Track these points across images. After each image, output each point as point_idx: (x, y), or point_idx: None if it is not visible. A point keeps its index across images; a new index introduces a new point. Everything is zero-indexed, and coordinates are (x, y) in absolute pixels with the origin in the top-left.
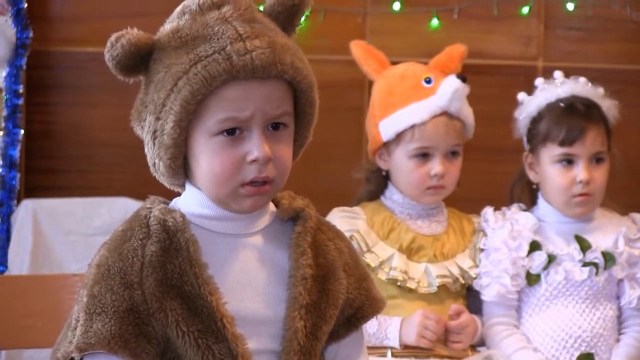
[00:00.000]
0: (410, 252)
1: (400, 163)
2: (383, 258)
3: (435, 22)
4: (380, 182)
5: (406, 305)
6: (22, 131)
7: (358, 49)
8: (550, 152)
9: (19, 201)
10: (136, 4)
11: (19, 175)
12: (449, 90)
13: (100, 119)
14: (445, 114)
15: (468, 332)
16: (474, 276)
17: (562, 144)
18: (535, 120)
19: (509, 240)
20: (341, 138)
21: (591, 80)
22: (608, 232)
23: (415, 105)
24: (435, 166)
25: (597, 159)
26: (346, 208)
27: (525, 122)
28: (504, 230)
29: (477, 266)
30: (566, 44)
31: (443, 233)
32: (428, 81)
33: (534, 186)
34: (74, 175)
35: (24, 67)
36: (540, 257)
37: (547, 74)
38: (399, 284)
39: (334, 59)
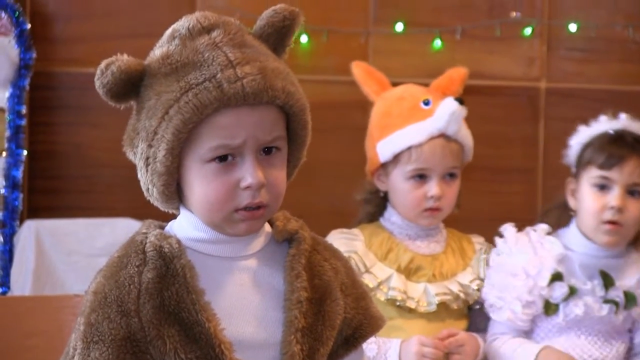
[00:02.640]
0: (409, 272)
1: (398, 184)
2: (381, 278)
3: (438, 42)
4: (379, 203)
5: (405, 325)
6: (25, 152)
7: (359, 70)
8: (589, 175)
9: (21, 222)
10: (141, 26)
11: (21, 195)
12: (446, 112)
13: (103, 139)
14: (442, 136)
15: (467, 351)
16: (477, 288)
17: (601, 167)
18: (585, 147)
19: (529, 268)
20: (345, 158)
21: (594, 101)
22: (634, 272)
23: (412, 126)
24: (432, 188)
25: (633, 191)
26: (344, 230)
27: (576, 149)
28: (524, 256)
29: (479, 279)
30: (569, 65)
31: (441, 253)
32: (426, 103)
33: (572, 213)
34: (77, 195)
35: (27, 87)
36: (561, 289)
37: (550, 95)
38: (398, 303)
39: (337, 79)
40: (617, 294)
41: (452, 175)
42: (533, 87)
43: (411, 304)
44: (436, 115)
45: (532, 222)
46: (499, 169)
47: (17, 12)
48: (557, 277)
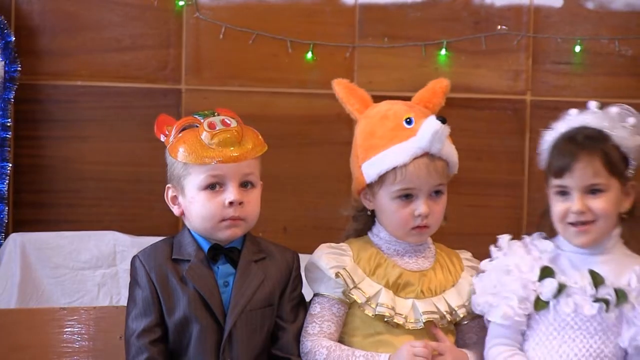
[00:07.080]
0: (397, 287)
1: (384, 204)
2: (370, 294)
3: (423, 56)
4: (367, 220)
5: (393, 340)
6: (10, 165)
7: (340, 88)
8: (551, 184)
9: (7, 235)
10: (126, 39)
11: (7, 209)
12: (429, 132)
13: (89, 153)
14: (426, 154)
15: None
16: (462, 315)
17: (555, 176)
18: (547, 154)
19: (522, 265)
20: (330, 172)
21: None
22: (623, 269)
23: (396, 147)
24: (419, 207)
25: (593, 190)
26: (333, 244)
27: (544, 155)
28: (518, 256)
29: (467, 305)
30: (554, 78)
31: (430, 269)
32: (409, 122)
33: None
34: (63, 209)
35: (12, 100)
36: (551, 284)
37: (536, 108)
38: (386, 319)
39: (322, 92)
40: (607, 292)
41: (438, 192)
42: (519, 100)
43: (399, 320)
44: (419, 135)
45: (517, 236)
46: (485, 183)
47: (1, 25)
48: (547, 272)
